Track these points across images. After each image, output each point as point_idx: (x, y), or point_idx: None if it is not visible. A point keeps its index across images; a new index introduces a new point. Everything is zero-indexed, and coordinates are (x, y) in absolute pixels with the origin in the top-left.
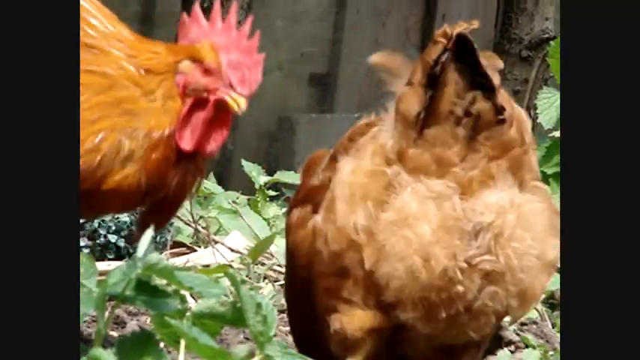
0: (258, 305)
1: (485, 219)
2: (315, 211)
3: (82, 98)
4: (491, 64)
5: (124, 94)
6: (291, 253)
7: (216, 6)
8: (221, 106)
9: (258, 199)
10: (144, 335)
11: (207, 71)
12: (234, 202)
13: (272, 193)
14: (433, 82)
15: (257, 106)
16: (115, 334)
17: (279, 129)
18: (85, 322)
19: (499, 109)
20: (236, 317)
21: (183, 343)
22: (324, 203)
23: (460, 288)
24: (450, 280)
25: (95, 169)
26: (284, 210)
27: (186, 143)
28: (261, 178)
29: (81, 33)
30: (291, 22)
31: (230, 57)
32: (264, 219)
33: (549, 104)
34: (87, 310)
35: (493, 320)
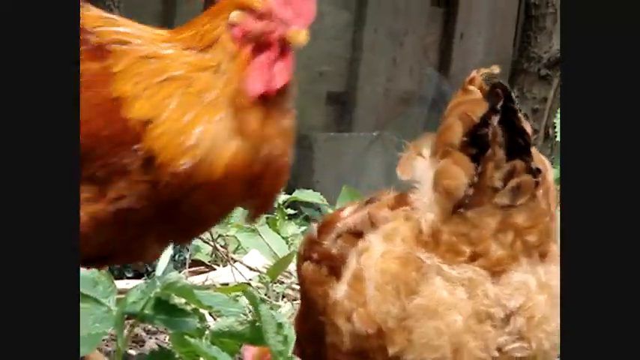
0: (279, 325)
1: (516, 304)
2: (331, 274)
3: (170, 107)
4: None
5: (199, 87)
6: (305, 298)
7: None
8: (282, 45)
9: (277, 217)
10: (163, 354)
11: (259, 15)
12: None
13: (290, 211)
14: (480, 147)
15: None
16: (133, 352)
17: (298, 147)
18: (103, 340)
19: (533, 171)
20: (255, 336)
21: None
22: (349, 279)
23: None
24: None
25: (202, 161)
26: (302, 228)
27: (255, 87)
28: (279, 197)
29: (130, 47)
30: (309, 41)
31: None
32: (283, 237)
33: None
34: (106, 328)
35: None
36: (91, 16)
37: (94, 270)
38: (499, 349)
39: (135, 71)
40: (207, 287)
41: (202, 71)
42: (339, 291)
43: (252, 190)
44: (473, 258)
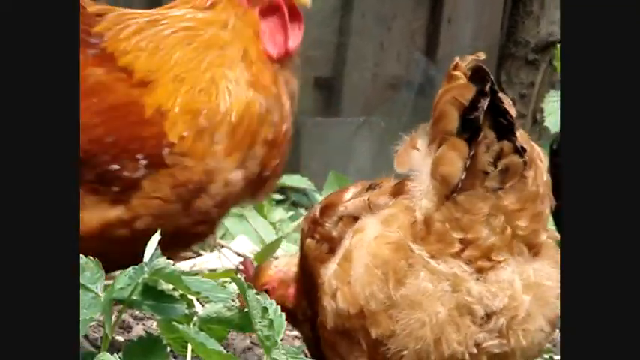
0: (265, 309)
1: (499, 304)
2: (331, 253)
3: (187, 57)
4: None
5: (208, 38)
6: (306, 274)
7: None
8: (289, 6)
9: (264, 203)
10: (151, 340)
11: None
12: (240, 206)
13: (278, 197)
14: (472, 131)
15: None
16: (121, 338)
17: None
18: (91, 326)
19: (519, 151)
20: (243, 322)
21: (190, 347)
22: (340, 258)
23: None
24: None
25: (216, 108)
26: (290, 214)
27: (273, 49)
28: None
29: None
30: None
31: None
32: (270, 223)
33: (556, 108)
34: (94, 314)
35: None
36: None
37: (81, 256)
38: (477, 345)
39: (139, 35)
40: (195, 273)
41: (209, 25)
42: (329, 269)
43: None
44: (463, 247)
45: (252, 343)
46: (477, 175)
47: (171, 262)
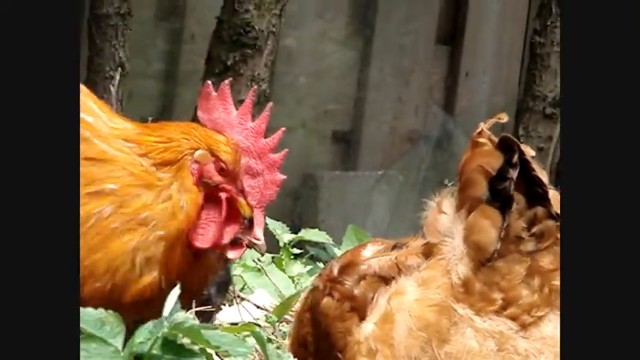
0: None
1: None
2: (353, 311)
3: (88, 224)
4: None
5: (137, 205)
6: (321, 333)
7: (250, 98)
8: (232, 204)
9: (283, 256)
10: None
11: (223, 170)
12: (258, 260)
13: (296, 250)
14: (502, 199)
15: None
16: None
17: (303, 186)
18: None
19: (554, 216)
20: None
21: None
22: (377, 319)
23: None
24: None
25: (112, 288)
26: (308, 267)
27: (202, 241)
28: (285, 236)
29: (81, 144)
30: (315, 80)
31: (250, 163)
32: (289, 277)
33: None
34: None
35: None
36: None
37: (101, 310)
38: None
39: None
40: (215, 327)
41: (144, 188)
42: (365, 329)
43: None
44: (504, 306)
45: None
46: (511, 241)
47: (191, 316)
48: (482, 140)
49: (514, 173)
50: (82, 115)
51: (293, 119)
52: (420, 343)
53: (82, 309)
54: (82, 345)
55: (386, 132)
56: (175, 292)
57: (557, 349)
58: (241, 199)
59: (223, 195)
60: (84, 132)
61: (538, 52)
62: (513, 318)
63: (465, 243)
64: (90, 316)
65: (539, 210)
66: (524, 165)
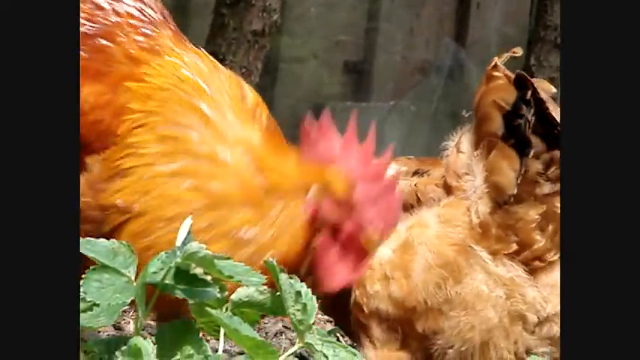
0: (298, 293)
1: (552, 310)
2: None
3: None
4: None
5: (240, 218)
6: None
7: (352, 123)
8: (353, 242)
9: None
10: (183, 324)
11: (339, 203)
12: None
13: None
14: (518, 136)
15: (292, 94)
16: (153, 323)
17: (315, 117)
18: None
19: None
20: (275, 306)
21: (222, 332)
22: (396, 246)
23: None
24: None
25: None
26: None
27: (330, 285)
28: None
29: (202, 138)
30: (326, 10)
31: (366, 189)
32: None
33: None
34: (126, 299)
35: None
36: None
37: (113, 240)
38: (527, 351)
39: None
40: (228, 257)
41: (253, 206)
42: (381, 254)
43: None
44: (519, 251)
45: (284, 327)
46: (528, 183)
47: (204, 246)
48: (497, 74)
49: (528, 113)
50: (209, 111)
51: (304, 50)
52: (436, 279)
53: (94, 240)
54: (95, 276)
55: (397, 62)
56: (188, 221)
57: None
58: (364, 233)
59: (344, 231)
60: (204, 130)
61: None
62: (526, 263)
63: (486, 183)
64: (102, 247)
65: (556, 154)
66: (539, 104)
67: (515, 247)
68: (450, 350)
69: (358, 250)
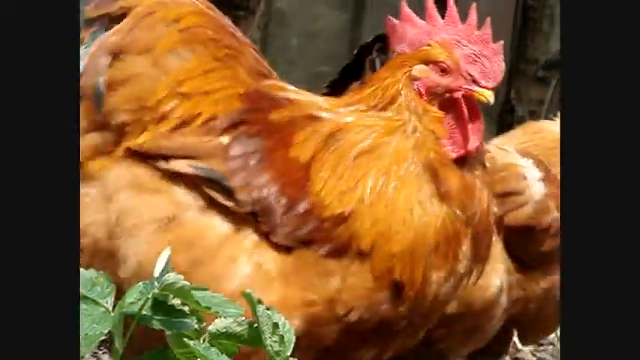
0: (275, 325)
1: None
2: None
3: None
4: None
5: (392, 157)
6: None
7: (452, 5)
8: (470, 102)
9: None
10: (160, 354)
11: (444, 70)
12: None
13: None
14: None
15: None
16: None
17: None
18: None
19: None
20: (253, 337)
21: None
22: None
23: None
24: None
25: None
26: None
27: (455, 150)
28: None
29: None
30: (307, 41)
31: (465, 50)
32: None
33: None
34: (104, 329)
35: None
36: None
37: (91, 270)
38: None
39: (323, 160)
40: (206, 288)
41: (391, 134)
42: None
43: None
44: None
45: None
46: None
47: (182, 277)
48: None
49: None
50: (298, 97)
51: (285, 81)
52: None
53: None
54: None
55: None
56: (166, 252)
57: None
58: (476, 89)
59: (458, 94)
60: (311, 111)
61: (530, 16)
62: None
63: None
64: (81, 277)
65: None
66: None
67: None
68: None
69: (475, 114)
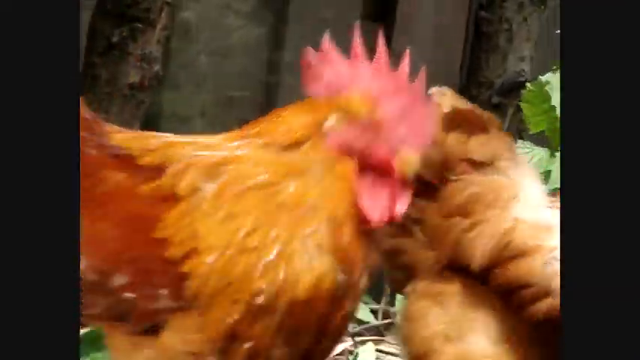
0: None
1: None
2: None
3: (246, 225)
4: None
5: (281, 199)
6: None
7: (357, 40)
8: (387, 168)
9: None
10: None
11: (365, 127)
12: None
13: None
14: None
15: None
16: None
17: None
18: None
19: None
20: None
21: None
22: None
23: None
24: None
25: (280, 286)
26: None
27: (374, 215)
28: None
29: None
30: (218, 59)
31: (391, 106)
32: None
33: (525, 160)
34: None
35: None
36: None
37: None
38: None
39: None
40: None
41: (290, 178)
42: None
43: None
44: None
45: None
46: None
47: None
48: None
49: None
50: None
51: (191, 107)
52: None
53: None
54: None
55: None
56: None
57: None
58: (399, 154)
59: (377, 155)
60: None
61: (484, 31)
62: None
63: None
64: None
65: None
66: None
67: None
68: None
69: (396, 176)
